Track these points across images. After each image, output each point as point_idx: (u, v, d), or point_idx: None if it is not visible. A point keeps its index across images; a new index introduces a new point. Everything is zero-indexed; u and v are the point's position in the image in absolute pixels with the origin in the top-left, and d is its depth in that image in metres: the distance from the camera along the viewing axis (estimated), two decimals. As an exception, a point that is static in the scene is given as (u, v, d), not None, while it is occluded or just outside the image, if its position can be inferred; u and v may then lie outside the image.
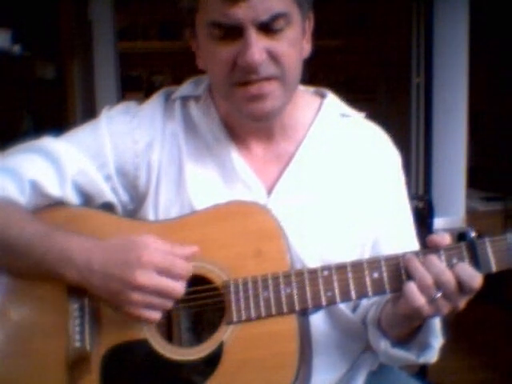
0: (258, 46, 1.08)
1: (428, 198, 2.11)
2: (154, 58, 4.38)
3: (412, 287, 1.03)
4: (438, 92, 3.63)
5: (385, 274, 1.07)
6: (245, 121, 1.20)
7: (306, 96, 1.27)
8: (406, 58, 3.91)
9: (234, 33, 1.08)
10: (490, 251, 1.04)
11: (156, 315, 1.07)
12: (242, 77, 1.10)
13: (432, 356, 1.16)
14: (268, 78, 1.11)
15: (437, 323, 1.14)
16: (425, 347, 1.14)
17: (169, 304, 1.07)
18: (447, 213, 3.44)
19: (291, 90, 1.17)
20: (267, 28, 1.08)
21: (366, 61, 4.44)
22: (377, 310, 1.19)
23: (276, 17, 1.08)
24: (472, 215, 3.66)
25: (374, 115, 1.35)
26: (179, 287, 1.07)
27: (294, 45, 1.13)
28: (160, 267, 1.06)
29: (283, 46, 1.11)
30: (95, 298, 1.11)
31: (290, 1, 1.10)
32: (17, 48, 3.43)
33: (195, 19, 1.14)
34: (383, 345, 1.16)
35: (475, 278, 1.02)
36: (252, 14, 1.06)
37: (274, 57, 1.10)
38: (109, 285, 1.06)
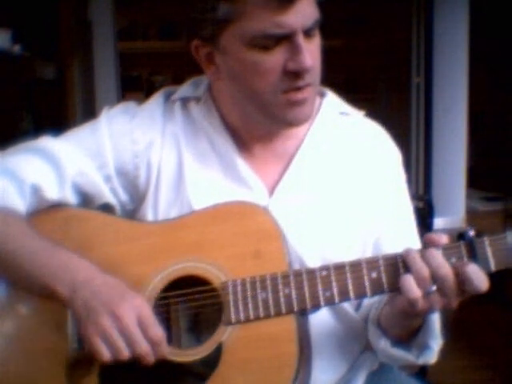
0: (308, 52, 1.09)
1: (428, 198, 2.10)
2: (154, 57, 4.39)
3: (408, 278, 1.02)
4: (438, 92, 3.64)
5: (383, 274, 1.06)
6: (278, 125, 1.20)
7: None
8: (406, 58, 3.91)
9: (281, 39, 1.08)
10: (488, 250, 1.03)
11: (106, 355, 1.03)
12: (292, 83, 1.10)
13: (431, 357, 1.15)
14: (309, 84, 1.12)
15: (436, 324, 1.14)
16: (424, 348, 1.14)
17: (125, 353, 1.03)
18: (447, 213, 3.44)
19: (317, 95, 1.19)
20: (308, 34, 1.09)
21: (366, 61, 4.45)
22: (377, 309, 1.19)
23: (316, 22, 1.10)
24: (472, 215, 3.66)
25: (374, 115, 1.35)
26: (145, 347, 1.04)
27: (319, 50, 1.15)
28: (144, 319, 1.04)
29: (316, 52, 1.13)
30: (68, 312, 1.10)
31: (315, 6, 1.12)
32: (17, 48, 3.43)
33: (224, 31, 1.11)
34: (383, 344, 1.15)
35: (484, 281, 1.01)
36: (301, 20, 1.07)
37: (313, 62, 1.11)
38: (91, 301, 1.05)
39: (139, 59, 4.36)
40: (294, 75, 1.10)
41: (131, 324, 1.03)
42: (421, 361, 1.15)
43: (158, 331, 1.05)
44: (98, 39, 3.60)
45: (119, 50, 3.72)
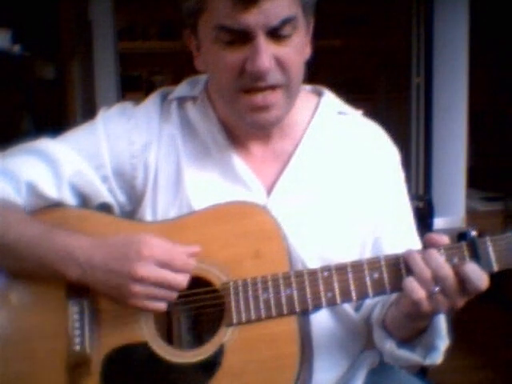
0: (267, 53, 1.07)
1: (428, 198, 2.10)
2: (154, 57, 4.38)
3: (411, 281, 1.03)
4: (438, 92, 3.64)
5: (385, 275, 1.07)
6: (245, 127, 1.19)
7: (303, 95, 1.26)
8: (406, 58, 3.90)
9: (241, 38, 1.07)
10: (491, 250, 1.04)
11: (161, 305, 1.07)
12: (249, 83, 1.10)
13: (437, 358, 1.15)
14: (273, 87, 1.11)
15: (443, 325, 1.14)
16: (430, 349, 1.14)
17: (172, 295, 1.08)
18: (447, 213, 3.44)
19: (294, 98, 1.17)
20: (275, 34, 1.08)
21: (366, 61, 4.44)
22: (382, 310, 1.19)
23: (285, 22, 1.07)
24: (472, 215, 3.66)
25: (374, 115, 1.35)
26: (180, 278, 1.07)
27: (299, 51, 1.13)
28: (160, 260, 1.06)
29: (290, 53, 1.10)
30: (97, 297, 1.12)
31: (297, 5, 1.10)
32: (17, 48, 3.42)
33: (199, 20, 1.12)
34: (389, 345, 1.16)
35: (483, 280, 1.01)
36: (262, 20, 1.05)
37: (280, 64, 1.10)
38: (110, 279, 1.07)
39: (139, 59, 4.35)
40: (250, 75, 1.09)
41: (155, 274, 1.06)
42: (427, 362, 1.15)
43: (178, 258, 1.08)
44: (98, 39, 3.59)
45: (119, 50, 3.71)
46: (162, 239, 1.09)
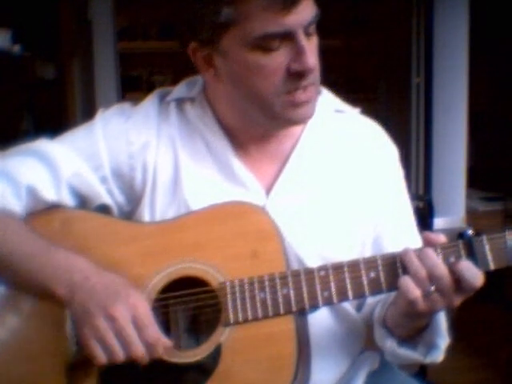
0: (310, 50, 1.09)
1: (428, 198, 2.10)
2: (154, 57, 4.37)
3: (406, 280, 1.03)
4: (438, 92, 3.63)
5: (381, 274, 1.07)
6: (275, 126, 1.20)
7: None
8: (406, 58, 3.90)
9: (282, 41, 1.08)
10: (487, 249, 1.04)
11: (102, 357, 1.04)
12: (296, 84, 1.11)
13: (438, 356, 1.15)
14: (312, 84, 1.12)
15: (443, 323, 1.14)
16: (431, 347, 1.14)
17: (119, 355, 1.04)
18: (447, 213, 3.44)
19: (318, 94, 1.19)
20: (307, 32, 1.09)
21: (366, 61, 4.44)
22: (382, 309, 1.19)
23: (315, 17, 1.10)
24: (472, 215, 3.66)
25: (375, 115, 1.35)
26: (140, 350, 1.04)
27: (317, 52, 1.14)
28: (139, 318, 1.05)
29: (315, 51, 1.13)
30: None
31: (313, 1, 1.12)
32: (17, 48, 3.43)
33: (225, 33, 1.10)
34: (389, 344, 1.16)
35: (478, 277, 1.02)
36: (301, 18, 1.07)
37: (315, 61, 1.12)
38: (87, 304, 1.06)
39: (139, 59, 4.35)
40: (297, 76, 1.10)
41: (126, 325, 1.03)
42: (428, 360, 1.15)
43: (153, 332, 1.05)
44: (97, 39, 3.59)
45: (119, 50, 3.71)
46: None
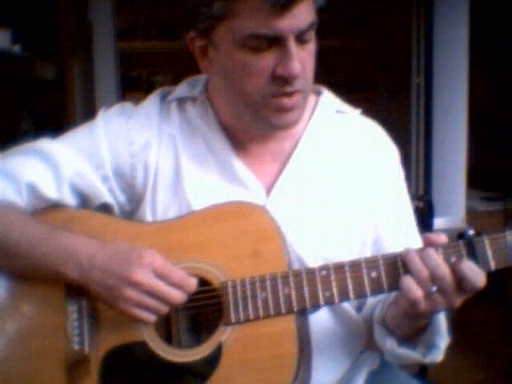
0: (298, 57, 1.08)
1: (428, 198, 2.10)
2: (154, 57, 4.38)
3: (408, 280, 1.03)
4: (438, 92, 3.64)
5: (383, 273, 1.07)
6: (263, 128, 1.20)
7: None
8: (406, 58, 3.90)
9: (271, 43, 1.07)
10: (488, 249, 1.04)
11: (149, 317, 1.07)
12: (278, 89, 1.10)
13: (438, 356, 1.15)
14: (298, 91, 1.12)
15: (443, 323, 1.14)
16: (431, 347, 1.14)
17: (163, 308, 1.07)
18: (447, 213, 3.44)
19: (307, 101, 1.18)
20: (301, 38, 1.09)
21: (366, 61, 4.44)
22: (382, 309, 1.19)
23: (311, 26, 1.09)
24: (472, 215, 3.66)
25: (374, 115, 1.35)
26: (175, 292, 1.06)
27: (313, 56, 1.14)
28: (159, 271, 1.06)
29: (310, 59, 1.13)
30: (93, 296, 1.12)
31: (314, 10, 1.11)
32: (17, 48, 3.43)
33: (218, 25, 1.10)
34: (389, 343, 1.16)
35: (480, 278, 1.01)
36: (294, 24, 1.06)
37: (303, 70, 1.11)
38: (106, 280, 1.07)
39: (139, 59, 4.35)
40: (282, 80, 1.09)
41: (151, 282, 1.05)
42: (428, 360, 1.15)
43: (176, 274, 1.07)
44: (98, 39, 3.59)
45: (119, 50, 3.71)
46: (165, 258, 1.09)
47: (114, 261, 1.08)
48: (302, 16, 1.07)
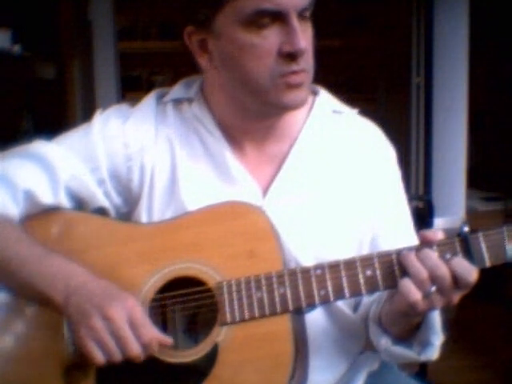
0: (302, 33, 1.09)
1: (428, 198, 2.11)
2: (154, 58, 4.37)
3: (408, 283, 1.02)
4: (438, 92, 3.63)
5: (378, 272, 1.07)
6: (260, 113, 1.20)
7: None
8: (406, 58, 3.90)
9: (275, 21, 1.08)
10: (483, 245, 1.03)
11: (99, 357, 1.04)
12: (287, 67, 1.11)
13: (432, 353, 1.15)
14: (304, 70, 1.13)
15: (437, 321, 1.14)
16: (425, 345, 1.14)
17: (117, 356, 1.04)
18: (447, 213, 3.43)
19: (310, 85, 1.19)
20: (302, 16, 1.10)
21: (366, 61, 4.43)
22: (377, 307, 1.19)
23: (311, 5, 1.11)
24: (472, 215, 3.65)
25: (374, 115, 1.35)
26: (135, 349, 1.04)
27: (311, 42, 1.15)
28: (134, 319, 1.05)
29: (308, 39, 1.13)
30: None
31: None
32: (17, 48, 3.43)
33: (219, 12, 1.11)
34: (384, 342, 1.16)
35: (471, 272, 1.01)
36: (295, 0, 1.07)
37: (307, 45, 1.12)
38: (83, 304, 1.06)
39: (139, 59, 4.35)
40: (289, 58, 1.10)
41: (122, 325, 1.04)
42: (423, 357, 1.15)
43: (148, 331, 1.05)
44: (97, 39, 3.59)
45: (119, 50, 3.71)
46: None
47: (100, 292, 1.07)
48: None
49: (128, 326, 1.04)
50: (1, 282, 1.16)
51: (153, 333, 1.06)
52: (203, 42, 1.17)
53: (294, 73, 1.12)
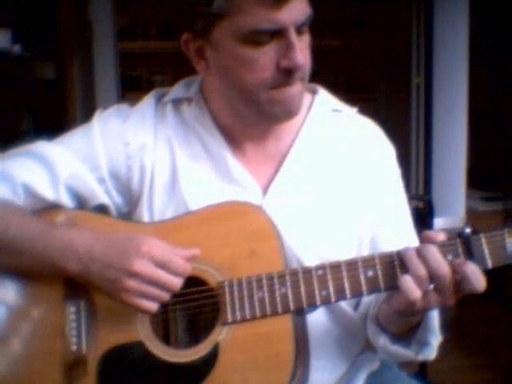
0: (300, 48, 1.10)
1: (428, 198, 2.10)
2: (154, 58, 4.39)
3: (407, 280, 1.02)
4: (438, 92, 3.64)
5: (379, 272, 1.06)
6: (257, 121, 1.20)
7: None
8: (406, 58, 3.91)
9: (273, 37, 1.08)
10: (485, 247, 1.03)
11: (152, 306, 1.08)
12: (283, 80, 1.11)
13: (430, 353, 1.15)
14: (300, 81, 1.13)
15: (435, 321, 1.14)
16: (423, 344, 1.14)
17: (165, 296, 1.08)
18: (447, 213, 3.44)
19: (304, 91, 1.19)
20: (299, 30, 1.10)
21: (366, 61, 4.44)
22: (375, 306, 1.19)
23: (308, 18, 1.11)
24: (472, 215, 3.66)
25: (374, 115, 1.35)
26: (175, 281, 1.07)
27: (308, 49, 1.15)
28: (158, 260, 1.07)
29: (306, 50, 1.13)
30: (93, 297, 1.12)
31: (308, 3, 1.12)
32: (17, 48, 3.44)
33: (217, 24, 1.10)
34: (382, 341, 1.15)
35: (481, 281, 1.00)
36: (294, 16, 1.07)
37: (305, 60, 1.12)
38: (106, 273, 1.08)
39: (139, 59, 4.36)
40: (285, 72, 1.10)
41: (151, 271, 1.06)
42: (420, 357, 1.15)
43: (176, 262, 1.08)
44: (97, 39, 3.60)
45: (119, 50, 3.72)
46: (162, 241, 1.09)
47: (113, 252, 1.09)
48: (300, 7, 1.09)
49: (156, 268, 1.07)
50: (7, 260, 1.16)
51: (179, 259, 1.08)
52: (200, 49, 1.16)
53: (289, 85, 1.12)
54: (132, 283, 1.06)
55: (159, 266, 1.07)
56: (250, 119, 1.20)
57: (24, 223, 1.16)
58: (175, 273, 1.07)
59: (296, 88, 1.13)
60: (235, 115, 1.21)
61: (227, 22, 1.09)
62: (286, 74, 1.10)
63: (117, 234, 1.12)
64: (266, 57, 1.09)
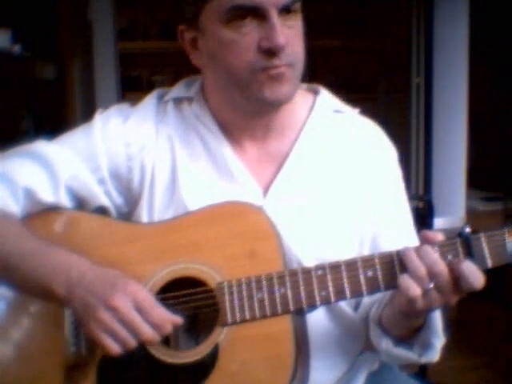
0: (281, 29, 1.09)
1: (428, 198, 2.10)
2: (154, 58, 4.38)
3: (406, 278, 1.02)
4: (438, 92, 3.64)
5: (379, 272, 1.06)
6: (256, 106, 1.19)
7: (299, 93, 1.25)
8: (406, 58, 3.91)
9: (254, 17, 1.09)
10: (485, 246, 1.03)
11: (115, 347, 1.04)
12: (268, 62, 1.11)
13: (433, 356, 1.15)
14: (287, 64, 1.12)
15: (438, 322, 1.14)
16: (427, 347, 1.14)
17: (131, 342, 1.04)
18: (447, 213, 3.44)
19: (299, 81, 1.18)
20: (285, 14, 1.10)
21: (366, 61, 4.44)
22: (378, 309, 1.18)
23: (295, 1, 1.10)
24: (472, 215, 3.66)
25: (374, 115, 1.35)
26: (147, 332, 1.04)
27: (300, 36, 1.15)
28: (140, 304, 1.05)
29: (295, 35, 1.13)
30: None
31: None
32: (17, 48, 3.44)
33: (204, 8, 1.12)
34: (385, 343, 1.15)
35: (479, 278, 1.00)
36: None
37: (289, 44, 1.11)
38: (87, 299, 1.06)
39: (139, 59, 4.35)
40: (269, 53, 1.10)
41: (128, 311, 1.04)
42: (423, 359, 1.15)
43: (157, 312, 1.05)
44: (98, 39, 3.60)
45: (119, 50, 3.71)
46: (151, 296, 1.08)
47: (101, 282, 1.07)
48: None
49: (135, 310, 1.04)
50: (2, 278, 1.16)
51: (161, 312, 1.05)
52: (194, 40, 1.18)
53: (276, 67, 1.11)
54: (105, 316, 1.03)
55: (138, 309, 1.04)
56: (247, 110, 1.20)
57: (21, 240, 1.15)
58: (152, 322, 1.04)
59: (282, 70, 1.12)
60: (234, 109, 1.21)
61: (210, 5, 1.11)
62: (270, 56, 1.10)
63: (113, 270, 1.10)
64: (247, 38, 1.10)
